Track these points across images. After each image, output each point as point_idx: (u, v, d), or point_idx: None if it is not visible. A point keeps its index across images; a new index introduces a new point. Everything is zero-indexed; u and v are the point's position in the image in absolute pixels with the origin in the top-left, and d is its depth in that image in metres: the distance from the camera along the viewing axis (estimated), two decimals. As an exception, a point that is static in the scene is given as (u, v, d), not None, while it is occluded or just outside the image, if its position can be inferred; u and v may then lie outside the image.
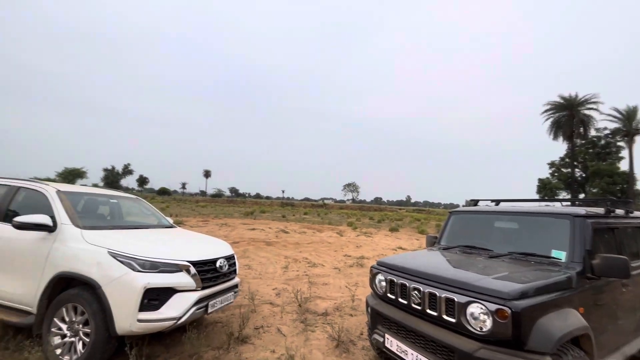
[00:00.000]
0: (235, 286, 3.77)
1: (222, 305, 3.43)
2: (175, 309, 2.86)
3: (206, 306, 3.15)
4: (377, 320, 2.88)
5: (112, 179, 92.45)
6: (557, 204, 4.09)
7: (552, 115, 38.81)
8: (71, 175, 64.71)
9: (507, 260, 2.83)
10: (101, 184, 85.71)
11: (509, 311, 1.99)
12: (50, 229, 3.07)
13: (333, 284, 6.31)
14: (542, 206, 3.73)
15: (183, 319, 2.89)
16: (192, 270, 3.07)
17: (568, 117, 36.98)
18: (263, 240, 11.90)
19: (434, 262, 2.97)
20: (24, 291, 3.01)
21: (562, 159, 45.51)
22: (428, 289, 2.44)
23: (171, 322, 2.81)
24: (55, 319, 2.83)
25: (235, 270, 3.79)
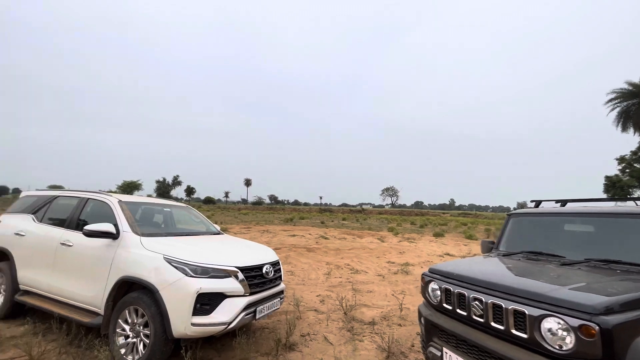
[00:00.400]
0: (281, 292, 3.77)
1: (269, 311, 3.44)
2: (226, 314, 2.92)
3: (254, 312, 3.18)
4: (432, 332, 2.67)
5: (163, 189, 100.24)
6: (631, 203, 3.55)
7: (618, 105, 34.56)
8: (129, 188, 71.30)
9: (584, 268, 2.48)
10: (154, 194, 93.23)
11: (597, 328, 1.70)
12: (114, 236, 3.32)
13: (378, 291, 6.09)
14: (616, 206, 3.24)
15: (233, 324, 2.93)
16: (240, 275, 3.12)
17: (639, 105, 32.67)
18: (304, 246, 11.96)
19: (496, 269, 2.69)
20: (94, 294, 3.27)
21: (634, 152, 40.07)
22: (492, 300, 2.19)
23: (222, 327, 2.87)
24: (119, 320, 3.03)
25: (280, 277, 3.80)
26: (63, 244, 3.62)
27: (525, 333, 1.97)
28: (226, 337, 3.60)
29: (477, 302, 2.29)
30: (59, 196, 4.33)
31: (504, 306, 2.10)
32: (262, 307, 3.29)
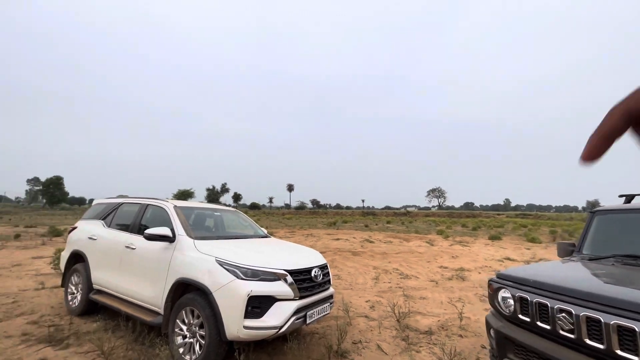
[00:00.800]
0: (331, 297, 3.64)
1: (320, 316, 3.33)
2: (276, 317, 2.86)
3: (304, 316, 3.08)
4: (506, 347, 2.34)
5: (213, 196, 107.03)
6: None
7: None
8: (183, 196, 77.28)
9: None
10: (205, 200, 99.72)
11: None
12: (170, 239, 3.48)
13: (432, 298, 5.68)
14: None
15: (284, 328, 2.87)
16: (289, 279, 3.06)
17: None
18: (349, 250, 11.76)
19: (585, 276, 2.29)
20: (154, 294, 3.44)
21: None
22: (585, 312, 1.83)
23: (273, 331, 2.82)
24: (177, 321, 3.14)
25: (329, 281, 3.68)
26: (127, 247, 3.90)
27: (637, 355, 1.60)
28: (277, 341, 3.56)
29: (564, 315, 1.94)
30: (124, 203, 4.71)
31: (603, 321, 1.74)
32: (312, 311, 3.19)
